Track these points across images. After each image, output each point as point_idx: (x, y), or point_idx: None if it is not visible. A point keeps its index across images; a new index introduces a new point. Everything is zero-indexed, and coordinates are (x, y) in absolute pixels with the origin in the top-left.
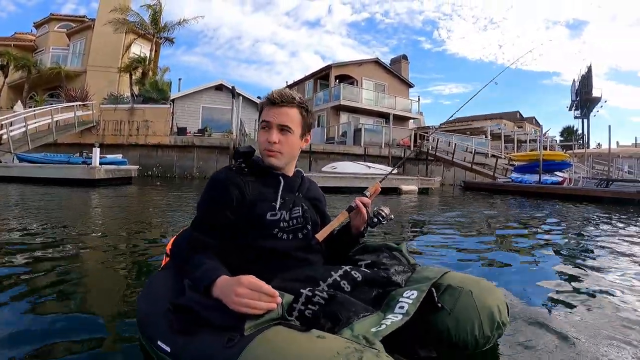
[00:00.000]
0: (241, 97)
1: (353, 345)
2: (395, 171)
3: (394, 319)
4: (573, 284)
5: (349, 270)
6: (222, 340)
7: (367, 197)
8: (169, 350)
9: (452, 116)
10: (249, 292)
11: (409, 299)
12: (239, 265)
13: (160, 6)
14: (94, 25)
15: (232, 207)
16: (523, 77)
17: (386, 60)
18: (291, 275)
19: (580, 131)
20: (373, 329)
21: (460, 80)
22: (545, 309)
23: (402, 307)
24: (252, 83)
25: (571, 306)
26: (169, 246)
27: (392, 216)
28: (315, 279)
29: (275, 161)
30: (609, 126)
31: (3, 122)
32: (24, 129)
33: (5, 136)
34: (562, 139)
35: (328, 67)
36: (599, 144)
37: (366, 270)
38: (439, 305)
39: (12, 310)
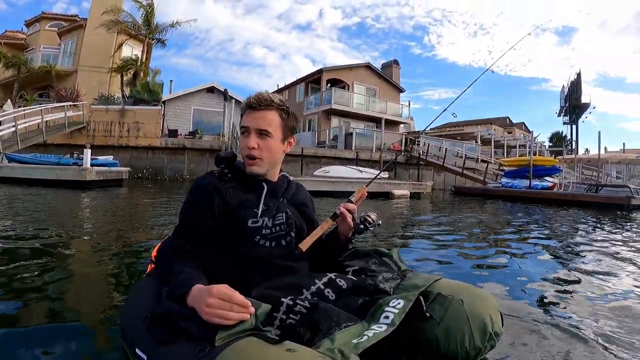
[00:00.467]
0: (234, 100)
1: (325, 359)
2: (386, 175)
3: (377, 330)
4: (568, 290)
5: (333, 277)
6: (195, 351)
7: (352, 202)
8: (145, 358)
9: (439, 115)
10: (219, 302)
11: (394, 308)
12: (222, 272)
13: (153, 7)
14: (85, 24)
15: (213, 213)
16: (512, 83)
17: (377, 64)
18: (273, 283)
19: (569, 137)
20: (354, 340)
21: (450, 86)
22: (540, 317)
23: (387, 317)
24: (243, 86)
25: (568, 314)
26: (154, 253)
27: (380, 222)
28: (299, 287)
29: (256, 169)
30: (599, 132)
31: None
32: (13, 129)
33: None
34: (550, 144)
35: (319, 71)
36: (587, 149)
37: (352, 277)
38: (428, 314)
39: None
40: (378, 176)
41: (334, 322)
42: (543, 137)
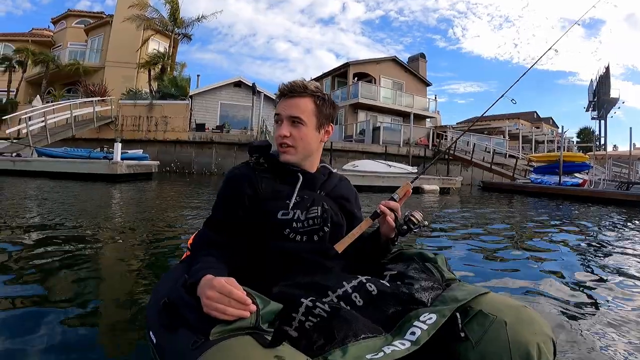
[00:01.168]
0: (262, 95)
1: None
2: (414, 170)
3: (397, 347)
4: (603, 288)
5: (364, 281)
6: (191, 341)
7: (395, 200)
8: (155, 342)
9: (497, 101)
10: (218, 295)
11: (424, 324)
12: (249, 264)
13: (177, 2)
14: (111, 21)
15: (244, 204)
16: (539, 77)
17: (401, 58)
18: (298, 281)
19: (597, 132)
20: (369, 355)
21: (475, 79)
22: (596, 340)
23: (413, 334)
24: (267, 80)
25: (603, 314)
26: (190, 241)
27: (427, 222)
28: (324, 288)
29: (289, 157)
30: (630, 128)
31: (22, 117)
32: (42, 124)
33: (24, 130)
34: (578, 140)
35: (346, 65)
36: (615, 145)
37: (386, 283)
38: (463, 334)
39: (32, 295)
40: (422, 172)
41: (351, 332)
42: (571, 132)
